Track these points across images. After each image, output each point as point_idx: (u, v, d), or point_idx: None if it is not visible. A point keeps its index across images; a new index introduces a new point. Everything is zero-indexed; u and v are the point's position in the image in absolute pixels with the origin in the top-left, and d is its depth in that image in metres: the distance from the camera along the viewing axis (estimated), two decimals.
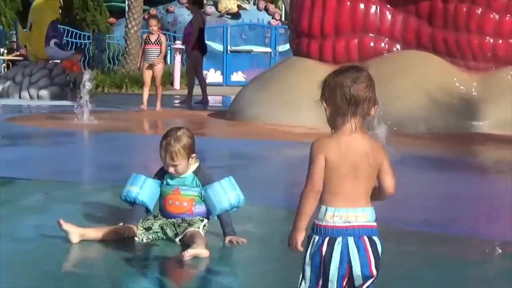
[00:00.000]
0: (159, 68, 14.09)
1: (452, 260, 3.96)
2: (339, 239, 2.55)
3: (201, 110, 15.07)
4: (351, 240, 2.56)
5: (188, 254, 3.84)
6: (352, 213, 2.57)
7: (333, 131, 2.63)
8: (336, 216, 2.56)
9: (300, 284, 2.60)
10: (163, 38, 13.96)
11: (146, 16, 28.54)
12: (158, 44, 13.85)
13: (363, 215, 2.58)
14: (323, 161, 2.57)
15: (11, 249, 3.95)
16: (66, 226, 4.07)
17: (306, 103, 11.31)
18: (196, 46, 16.76)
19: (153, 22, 14.19)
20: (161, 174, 4.33)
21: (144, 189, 4.27)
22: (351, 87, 2.57)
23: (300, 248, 2.60)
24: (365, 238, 2.56)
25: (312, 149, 2.59)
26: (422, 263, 3.91)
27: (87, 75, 12.58)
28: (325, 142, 2.61)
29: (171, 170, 4.19)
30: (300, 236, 2.60)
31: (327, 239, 2.56)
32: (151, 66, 13.91)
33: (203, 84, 17.04)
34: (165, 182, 4.30)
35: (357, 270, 2.55)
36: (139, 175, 4.36)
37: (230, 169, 6.63)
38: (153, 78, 14.19)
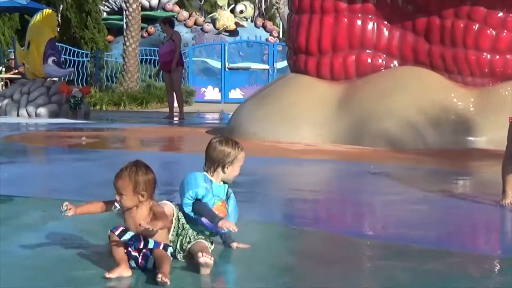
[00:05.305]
0: None
1: (451, 276, 3.95)
2: None
3: (198, 127, 15.08)
4: None
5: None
6: None
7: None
8: None
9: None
10: None
11: (145, 34, 28.66)
12: None
13: None
14: None
15: (11, 266, 3.94)
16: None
17: (304, 119, 11.35)
18: (180, 62, 17.26)
19: None
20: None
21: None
22: (139, 175, 4.02)
23: None
24: None
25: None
26: (420, 278, 3.90)
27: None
28: None
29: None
30: None
31: None
32: None
33: (182, 100, 17.56)
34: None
35: None
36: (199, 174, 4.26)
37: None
38: None
